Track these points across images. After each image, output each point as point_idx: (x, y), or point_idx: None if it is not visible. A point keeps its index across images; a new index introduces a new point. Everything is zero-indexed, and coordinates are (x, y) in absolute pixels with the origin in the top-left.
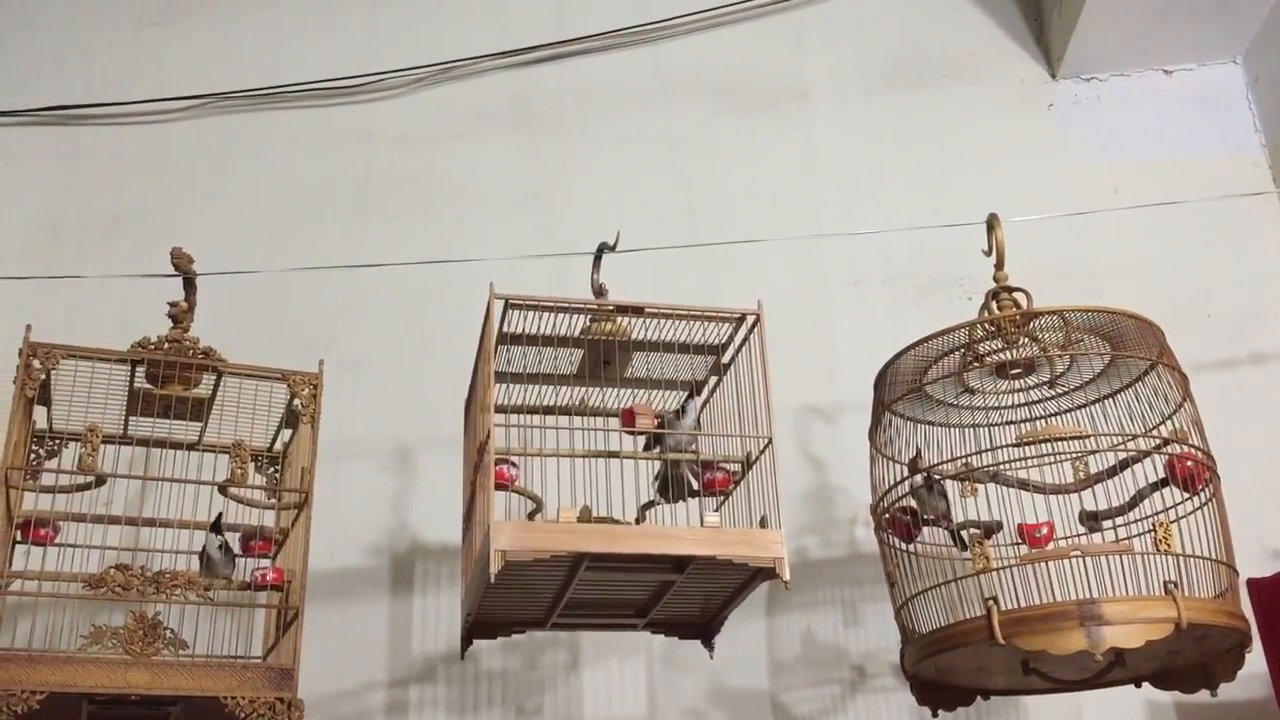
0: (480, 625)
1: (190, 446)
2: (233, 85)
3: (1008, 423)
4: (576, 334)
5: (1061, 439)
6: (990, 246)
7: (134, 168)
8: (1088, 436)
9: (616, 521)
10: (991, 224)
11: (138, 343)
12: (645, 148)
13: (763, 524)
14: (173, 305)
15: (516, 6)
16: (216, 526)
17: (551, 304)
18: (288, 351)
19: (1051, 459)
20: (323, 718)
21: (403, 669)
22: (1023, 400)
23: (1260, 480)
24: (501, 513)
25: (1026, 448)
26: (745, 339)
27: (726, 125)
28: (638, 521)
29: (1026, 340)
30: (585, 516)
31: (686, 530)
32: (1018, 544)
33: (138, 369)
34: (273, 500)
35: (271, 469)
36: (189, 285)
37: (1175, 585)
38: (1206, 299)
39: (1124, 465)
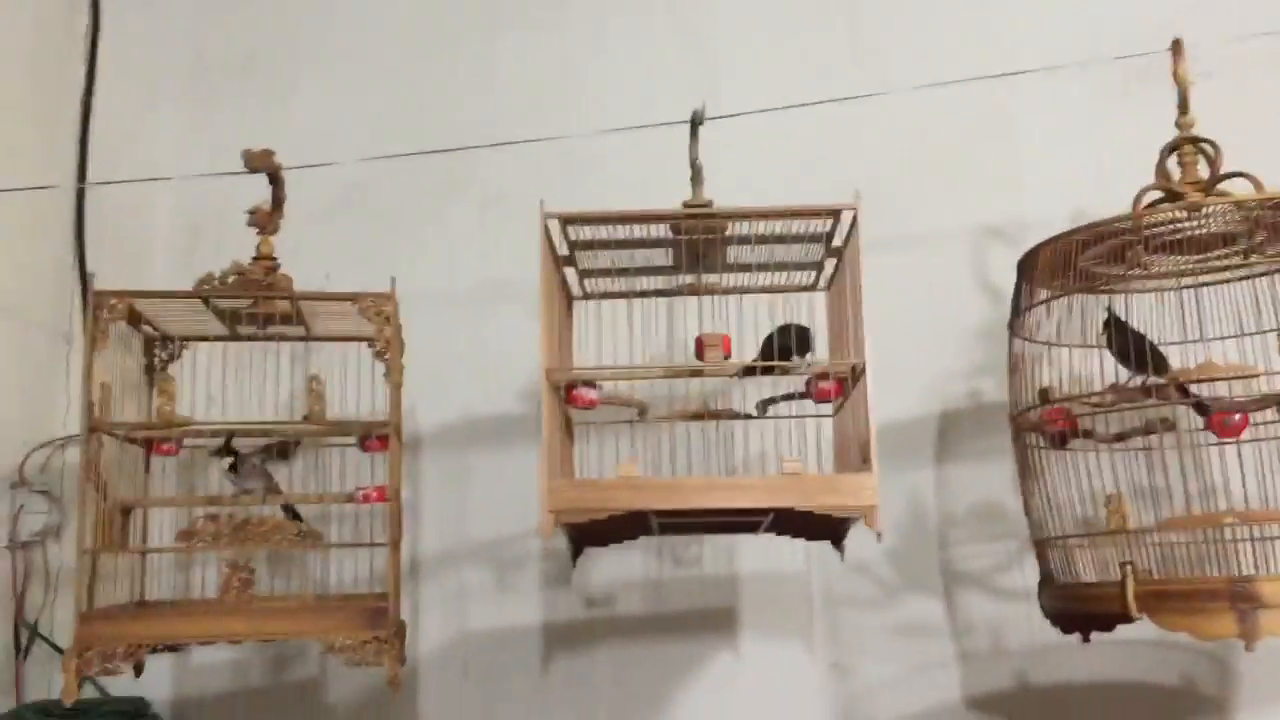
0: (587, 537)
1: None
2: None
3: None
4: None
5: (1219, 379)
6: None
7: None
8: (1256, 375)
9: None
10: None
11: (201, 280)
12: None
13: (864, 460)
14: (252, 213)
15: None
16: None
17: (604, 217)
18: (434, 191)
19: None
20: (485, 560)
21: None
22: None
23: None
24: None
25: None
26: (846, 239)
27: None
28: (760, 416)
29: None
30: (703, 412)
31: (761, 480)
32: (1203, 430)
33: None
34: None
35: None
36: (274, 181)
37: None
38: None
39: None
